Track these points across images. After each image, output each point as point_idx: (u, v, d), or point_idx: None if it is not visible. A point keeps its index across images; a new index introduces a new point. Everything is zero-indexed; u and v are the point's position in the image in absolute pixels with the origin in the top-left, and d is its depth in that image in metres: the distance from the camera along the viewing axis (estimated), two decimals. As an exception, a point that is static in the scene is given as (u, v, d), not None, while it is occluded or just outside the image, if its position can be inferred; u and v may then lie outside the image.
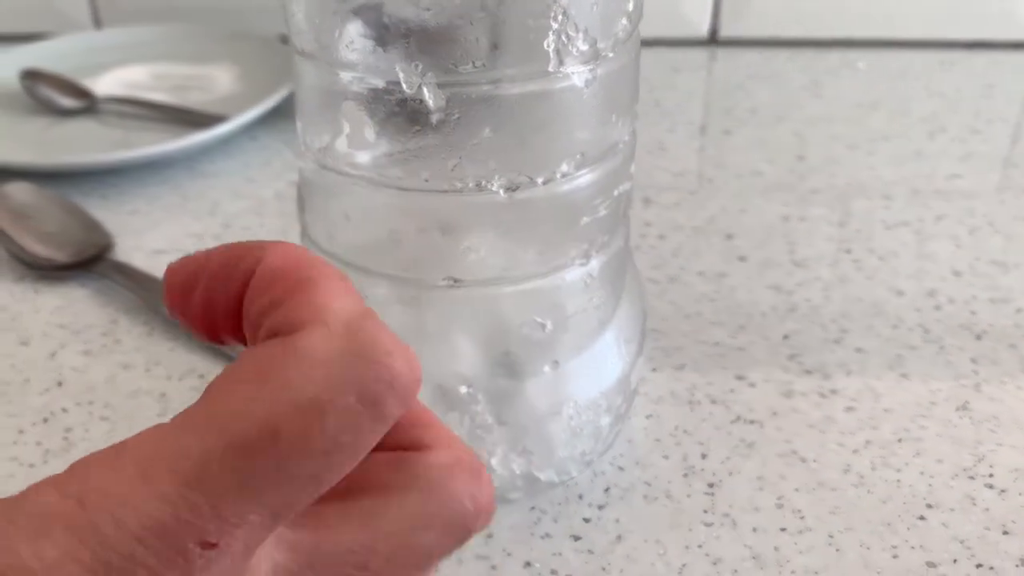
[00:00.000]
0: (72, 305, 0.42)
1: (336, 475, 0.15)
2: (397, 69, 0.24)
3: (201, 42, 0.64)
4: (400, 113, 0.24)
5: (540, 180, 0.26)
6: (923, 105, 0.58)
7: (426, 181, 0.25)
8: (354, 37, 0.24)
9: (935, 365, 0.37)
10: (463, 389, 0.28)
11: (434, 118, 0.24)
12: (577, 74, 0.25)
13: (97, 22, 0.70)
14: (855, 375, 0.37)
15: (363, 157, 0.26)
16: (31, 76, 0.58)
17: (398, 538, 0.17)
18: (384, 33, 0.23)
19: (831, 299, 0.41)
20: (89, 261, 0.44)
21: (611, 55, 0.26)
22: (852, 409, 0.35)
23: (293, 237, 0.46)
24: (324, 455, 0.15)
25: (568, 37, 0.24)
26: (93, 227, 0.46)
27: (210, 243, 0.47)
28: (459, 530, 0.18)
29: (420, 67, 0.24)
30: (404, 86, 0.24)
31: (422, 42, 0.23)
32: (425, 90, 0.24)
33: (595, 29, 0.25)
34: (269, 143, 0.55)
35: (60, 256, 0.44)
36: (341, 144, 0.26)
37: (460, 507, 0.17)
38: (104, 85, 0.60)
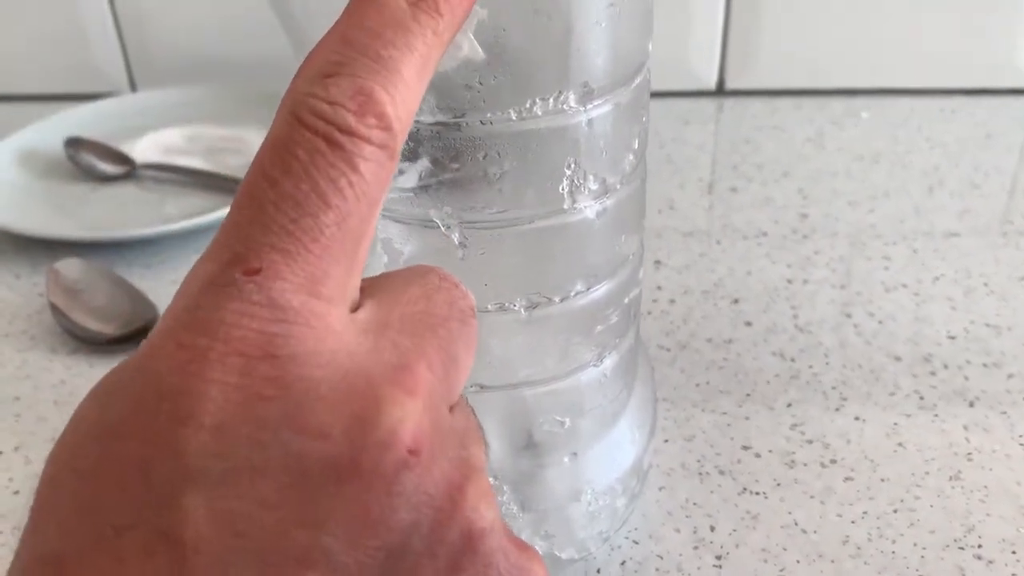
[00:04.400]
0: (124, 378, 0.45)
1: None
2: (431, 213, 0.27)
3: (232, 104, 0.67)
4: (432, 248, 0.27)
5: (557, 299, 0.29)
6: (923, 157, 0.61)
7: (455, 305, 0.28)
8: (395, 186, 0.27)
9: (929, 433, 0.39)
10: (490, 480, 0.31)
11: (462, 253, 0.27)
12: (589, 208, 0.28)
13: (132, 81, 0.74)
14: (854, 444, 0.39)
15: (398, 282, 0.28)
16: (74, 144, 0.62)
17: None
18: (421, 184, 0.26)
19: (832, 366, 0.43)
20: (137, 333, 0.47)
21: (619, 187, 0.28)
22: (851, 479, 0.38)
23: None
24: None
25: (580, 180, 0.27)
26: (139, 299, 0.49)
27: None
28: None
29: (450, 211, 0.27)
30: (437, 226, 0.27)
31: (453, 191, 0.26)
32: (454, 230, 0.27)
33: (604, 169, 0.27)
34: (299, 207, 0.59)
35: (109, 329, 0.47)
36: (378, 270, 0.29)
37: None
38: (142, 149, 0.64)
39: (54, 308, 0.48)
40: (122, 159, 0.62)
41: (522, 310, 0.28)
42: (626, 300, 0.31)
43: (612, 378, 0.32)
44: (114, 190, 0.61)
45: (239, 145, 0.64)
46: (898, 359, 0.44)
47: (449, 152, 0.26)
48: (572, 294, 0.29)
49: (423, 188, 0.26)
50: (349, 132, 0.18)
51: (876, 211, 0.55)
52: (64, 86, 0.74)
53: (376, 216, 0.19)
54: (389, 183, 0.19)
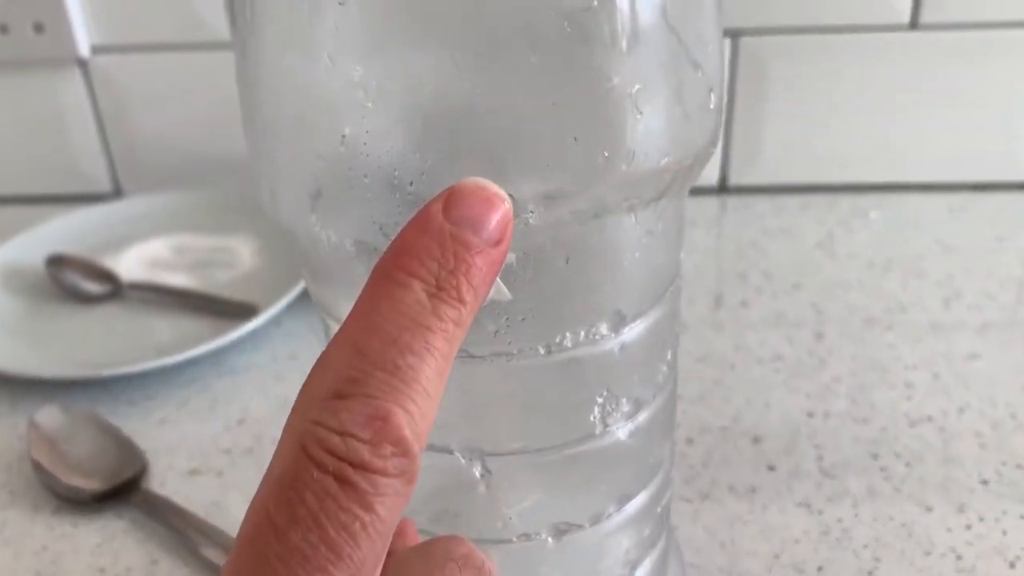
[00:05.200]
0: (111, 542, 0.42)
1: None
2: (451, 444, 0.24)
3: (219, 210, 0.65)
4: (450, 478, 0.25)
5: (587, 524, 0.26)
6: (936, 263, 0.59)
7: (473, 538, 0.26)
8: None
9: (971, 602, 0.37)
10: None
11: (484, 485, 0.25)
12: (621, 429, 0.25)
13: (116, 183, 0.72)
14: (892, 616, 0.37)
15: (410, 516, 0.26)
16: (56, 262, 0.59)
17: None
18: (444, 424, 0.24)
19: (861, 519, 0.41)
20: (125, 487, 0.44)
21: (653, 399, 0.26)
22: (892, 662, 0.35)
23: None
24: None
25: (613, 406, 0.25)
26: (125, 446, 0.47)
27: (240, 459, 0.47)
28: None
29: (471, 443, 0.24)
30: (457, 457, 0.24)
31: (474, 424, 0.24)
32: (475, 462, 0.25)
33: (637, 389, 0.25)
34: (294, 329, 0.56)
35: (94, 485, 0.44)
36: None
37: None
38: (127, 263, 0.61)
39: (35, 465, 0.45)
40: (107, 277, 0.59)
41: (549, 539, 0.26)
42: (659, 509, 0.29)
43: (643, 588, 0.29)
44: (99, 312, 0.58)
45: (227, 257, 0.62)
46: (930, 509, 0.41)
47: (469, 386, 0.24)
48: (603, 517, 0.27)
49: (441, 419, 0.24)
50: (363, 467, 0.16)
51: (893, 328, 0.53)
52: (47, 187, 0.72)
53: (389, 542, 0.17)
54: (407, 505, 0.17)
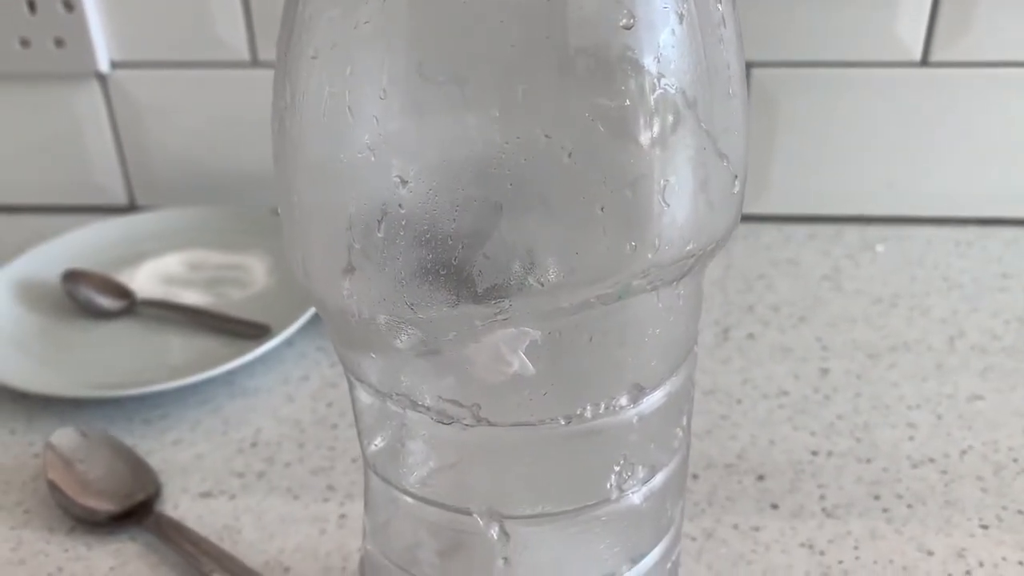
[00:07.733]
0: (125, 566, 0.43)
1: None
2: (472, 509, 0.25)
3: (234, 227, 0.66)
4: (467, 540, 0.26)
5: (600, 581, 0.27)
6: (942, 300, 0.60)
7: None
8: (430, 479, 0.25)
9: (969, 651, 0.38)
10: None
11: (499, 546, 0.26)
12: (636, 494, 0.26)
13: (131, 196, 0.72)
14: (891, 662, 0.38)
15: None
16: (72, 277, 0.60)
17: None
18: (463, 485, 0.25)
19: (863, 561, 0.42)
20: (139, 509, 0.45)
21: (668, 463, 0.27)
22: None
23: (335, 475, 0.48)
24: None
25: (628, 473, 0.25)
26: (139, 467, 0.47)
27: (252, 483, 0.48)
28: None
29: (489, 505, 0.25)
30: (476, 521, 0.25)
31: (491, 488, 0.25)
32: (492, 524, 0.25)
33: (654, 456, 0.26)
34: (305, 349, 0.57)
35: (109, 506, 0.45)
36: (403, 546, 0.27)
37: None
38: (141, 279, 0.62)
39: (51, 485, 0.46)
40: (121, 292, 0.60)
41: (562, 595, 0.27)
42: (669, 564, 0.29)
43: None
44: (113, 328, 0.59)
45: (242, 275, 0.63)
46: (931, 553, 0.42)
47: (489, 452, 0.24)
48: None
49: (460, 481, 0.25)
50: None
51: (897, 366, 0.54)
52: (63, 198, 0.73)
53: None
54: None
